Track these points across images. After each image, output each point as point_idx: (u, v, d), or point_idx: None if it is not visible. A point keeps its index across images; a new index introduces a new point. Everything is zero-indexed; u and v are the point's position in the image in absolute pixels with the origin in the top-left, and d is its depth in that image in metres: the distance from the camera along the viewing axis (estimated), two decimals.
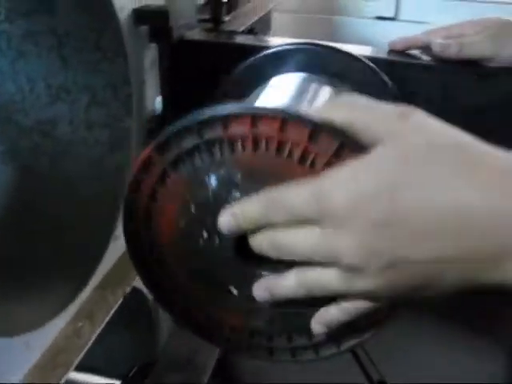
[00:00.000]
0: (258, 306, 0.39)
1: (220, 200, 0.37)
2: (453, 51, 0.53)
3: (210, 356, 0.77)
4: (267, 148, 0.35)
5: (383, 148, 0.32)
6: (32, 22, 0.58)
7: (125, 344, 0.74)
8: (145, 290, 0.70)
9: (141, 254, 0.42)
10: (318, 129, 0.34)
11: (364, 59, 0.53)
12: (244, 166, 0.36)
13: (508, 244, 0.30)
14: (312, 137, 0.34)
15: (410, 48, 0.57)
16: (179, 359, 0.76)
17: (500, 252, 0.30)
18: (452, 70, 0.54)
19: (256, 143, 0.35)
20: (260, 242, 0.35)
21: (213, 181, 0.37)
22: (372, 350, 0.74)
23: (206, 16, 0.71)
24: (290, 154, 0.35)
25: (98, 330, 0.54)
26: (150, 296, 0.71)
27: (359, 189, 0.31)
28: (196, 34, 0.64)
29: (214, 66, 0.61)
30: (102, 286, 0.58)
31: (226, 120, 0.35)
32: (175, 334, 0.78)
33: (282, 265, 0.36)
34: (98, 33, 0.58)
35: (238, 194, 0.36)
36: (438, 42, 0.54)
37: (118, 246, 0.62)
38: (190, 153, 0.37)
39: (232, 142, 0.36)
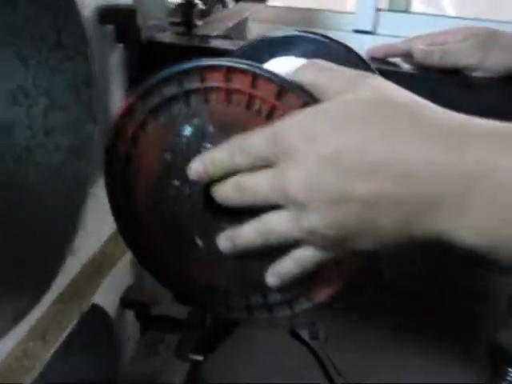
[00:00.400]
0: (220, 261, 0.42)
1: (192, 150, 0.40)
2: (435, 58, 0.50)
3: (175, 377, 0.73)
4: (239, 102, 0.38)
5: (336, 99, 0.35)
6: None
7: (84, 364, 0.69)
8: (106, 306, 0.67)
9: (118, 203, 0.45)
10: (285, 87, 0.37)
11: (355, 50, 0.51)
12: (217, 118, 0.39)
13: (441, 194, 0.31)
14: (280, 94, 0.37)
15: (389, 56, 0.55)
16: (143, 380, 0.72)
17: (434, 200, 0.31)
18: (434, 79, 0.52)
19: (229, 96, 0.38)
20: (225, 188, 0.38)
21: (187, 130, 0.40)
22: (335, 355, 0.76)
23: (178, 19, 0.67)
24: (259, 109, 0.38)
25: (52, 351, 0.49)
26: (111, 312, 0.67)
27: (310, 129, 0.34)
28: (167, 37, 0.61)
29: None
30: (58, 302, 0.53)
31: (203, 71, 0.38)
32: (139, 353, 0.74)
33: (244, 219, 0.39)
34: (59, 30, 0.54)
35: (208, 145, 0.40)
36: (419, 49, 0.51)
37: (77, 259, 0.58)
38: (170, 101, 0.40)
39: (207, 94, 0.39)
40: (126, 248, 0.66)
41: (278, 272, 0.39)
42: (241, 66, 0.38)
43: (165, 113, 0.40)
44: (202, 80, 0.38)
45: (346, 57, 0.50)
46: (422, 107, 0.34)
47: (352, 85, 0.36)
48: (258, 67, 0.38)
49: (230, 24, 0.76)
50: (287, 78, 0.37)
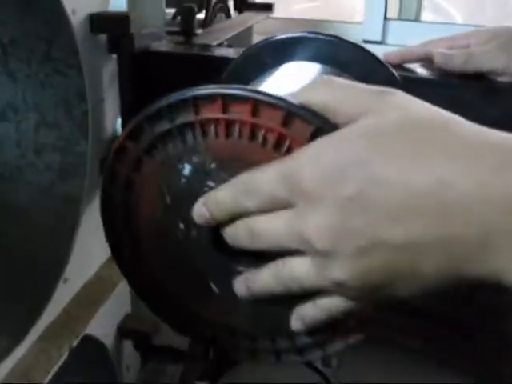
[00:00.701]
0: (239, 305, 0.38)
1: (195, 189, 0.36)
2: (457, 63, 0.46)
3: None
4: (240, 134, 0.34)
5: (357, 125, 0.30)
6: None
7: None
8: (102, 336, 0.62)
9: (121, 249, 0.41)
10: (292, 112, 0.32)
11: (369, 50, 0.47)
12: (218, 154, 0.35)
13: (495, 230, 0.26)
14: (286, 121, 0.32)
15: (406, 61, 0.50)
16: None
17: (486, 239, 0.27)
18: (456, 85, 0.47)
19: (229, 128, 0.34)
20: (234, 231, 0.34)
21: (186, 169, 0.36)
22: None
23: (176, 28, 0.63)
24: (265, 140, 0.33)
25: None
26: (108, 343, 0.62)
27: (329, 165, 0.29)
28: (163, 46, 0.56)
29: (183, 81, 0.53)
30: (46, 334, 0.49)
31: (196, 103, 0.34)
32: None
33: (260, 260, 0.34)
34: (48, 41, 0.50)
35: (212, 184, 0.35)
36: (440, 52, 0.47)
37: (69, 286, 0.54)
38: (163, 138, 0.36)
39: (204, 127, 0.35)
40: None
41: (302, 317, 0.34)
42: (238, 92, 0.33)
43: (159, 152, 0.36)
44: (196, 112, 0.34)
45: (360, 58, 0.46)
46: (458, 126, 0.29)
47: (373, 105, 0.30)
48: (258, 91, 0.33)
49: (232, 33, 0.72)
50: (293, 100, 0.32)
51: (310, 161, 0.30)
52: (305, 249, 0.30)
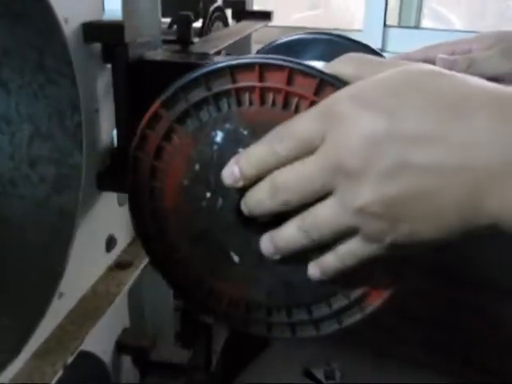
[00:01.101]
0: (258, 276, 0.40)
1: (224, 157, 0.37)
2: (461, 68, 0.45)
3: None
4: (274, 102, 0.36)
5: (384, 72, 0.33)
6: None
7: None
8: (99, 352, 0.61)
9: (143, 222, 0.42)
10: (324, 80, 0.34)
11: (376, 50, 0.49)
12: (251, 121, 0.37)
13: (508, 161, 0.29)
14: (319, 89, 0.35)
15: None
16: None
17: (502, 170, 0.29)
18: None
19: (263, 96, 0.36)
20: (258, 190, 0.35)
21: (218, 137, 0.38)
22: None
23: (172, 37, 0.62)
24: (297, 108, 0.35)
25: None
26: (106, 358, 0.61)
27: (363, 94, 0.32)
28: (159, 55, 0.55)
29: None
30: (39, 354, 0.47)
31: (233, 71, 0.36)
32: None
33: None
34: (40, 50, 0.49)
35: (242, 150, 0.37)
36: (442, 58, 0.46)
37: (62, 304, 0.52)
38: (198, 106, 0.38)
39: (239, 95, 0.36)
40: (121, 286, 0.60)
41: (321, 264, 0.36)
42: (276, 61, 0.35)
43: (192, 120, 0.38)
44: (233, 80, 0.36)
45: None
46: (475, 79, 0.32)
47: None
48: (294, 61, 0.35)
49: (230, 42, 0.71)
50: (326, 71, 0.35)
51: (343, 94, 0.32)
52: (334, 178, 0.32)
